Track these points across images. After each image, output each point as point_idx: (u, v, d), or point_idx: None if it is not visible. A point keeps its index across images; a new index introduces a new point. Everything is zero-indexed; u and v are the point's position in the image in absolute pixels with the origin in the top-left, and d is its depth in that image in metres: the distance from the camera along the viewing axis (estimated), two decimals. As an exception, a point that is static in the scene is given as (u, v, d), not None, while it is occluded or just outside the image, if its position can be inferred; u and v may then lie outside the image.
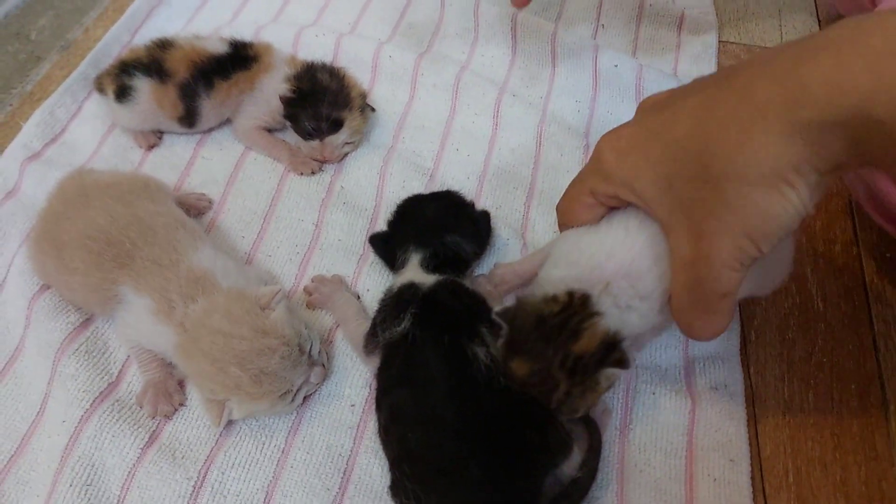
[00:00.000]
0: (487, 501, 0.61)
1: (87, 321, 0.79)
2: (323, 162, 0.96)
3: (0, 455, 0.72)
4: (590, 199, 0.63)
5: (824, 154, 0.45)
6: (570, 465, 0.66)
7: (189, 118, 0.96)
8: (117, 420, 0.71)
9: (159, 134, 1.00)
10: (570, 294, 0.61)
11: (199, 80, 0.93)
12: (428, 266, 0.75)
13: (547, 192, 0.94)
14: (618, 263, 0.60)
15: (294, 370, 0.68)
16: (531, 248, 0.87)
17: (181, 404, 0.74)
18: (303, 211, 0.92)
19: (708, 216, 0.51)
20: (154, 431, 0.72)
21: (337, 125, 0.93)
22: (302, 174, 0.95)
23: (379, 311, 0.74)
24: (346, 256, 0.87)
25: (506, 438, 0.62)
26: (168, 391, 0.73)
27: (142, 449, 0.70)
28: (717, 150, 0.50)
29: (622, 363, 0.60)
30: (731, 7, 1.25)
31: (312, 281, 0.83)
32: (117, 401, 0.73)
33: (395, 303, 0.72)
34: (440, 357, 0.66)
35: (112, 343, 0.78)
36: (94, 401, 0.72)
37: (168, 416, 0.73)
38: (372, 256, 0.85)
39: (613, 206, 0.63)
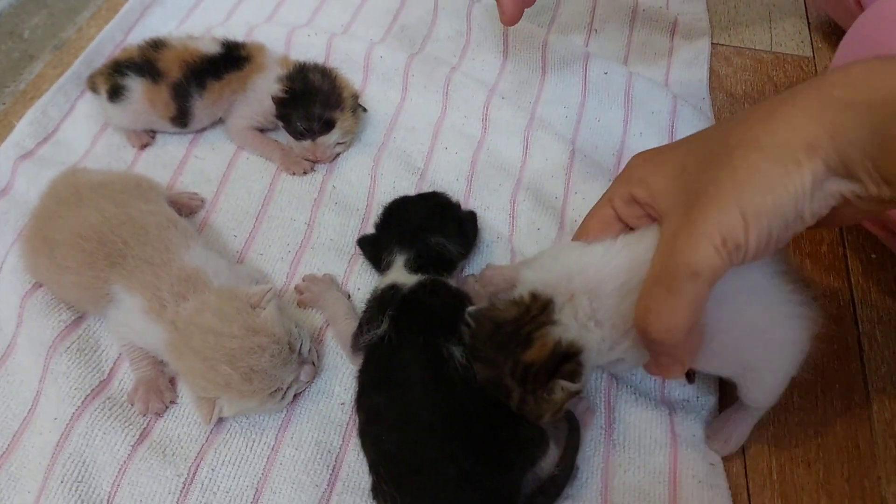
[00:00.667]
0: (464, 501, 0.61)
1: (78, 319, 0.79)
2: (315, 162, 0.96)
3: (-8, 452, 0.72)
4: (608, 212, 0.61)
5: (840, 140, 0.45)
6: (548, 462, 0.66)
7: (181, 118, 0.96)
8: (108, 417, 0.72)
9: (152, 133, 1.00)
10: (534, 296, 0.59)
11: (192, 80, 0.93)
12: (412, 267, 0.75)
13: (532, 193, 0.94)
14: (585, 280, 0.58)
15: (284, 368, 0.68)
16: (517, 248, 0.88)
17: (172, 402, 0.74)
18: (295, 210, 0.92)
19: (708, 185, 0.49)
20: (145, 429, 0.72)
21: (329, 125, 0.93)
22: (294, 174, 0.96)
23: (365, 312, 0.75)
24: (338, 256, 0.87)
25: (482, 437, 0.62)
26: (159, 389, 0.74)
27: (132, 446, 0.70)
28: (739, 127, 0.50)
29: (573, 376, 0.57)
30: (721, 10, 1.27)
31: (303, 280, 0.83)
32: (108, 398, 0.73)
33: (378, 304, 0.73)
34: (416, 358, 0.66)
35: (104, 341, 0.78)
36: (85, 398, 0.72)
37: (159, 414, 0.73)
38: (362, 256, 0.85)
39: (631, 227, 0.60)
